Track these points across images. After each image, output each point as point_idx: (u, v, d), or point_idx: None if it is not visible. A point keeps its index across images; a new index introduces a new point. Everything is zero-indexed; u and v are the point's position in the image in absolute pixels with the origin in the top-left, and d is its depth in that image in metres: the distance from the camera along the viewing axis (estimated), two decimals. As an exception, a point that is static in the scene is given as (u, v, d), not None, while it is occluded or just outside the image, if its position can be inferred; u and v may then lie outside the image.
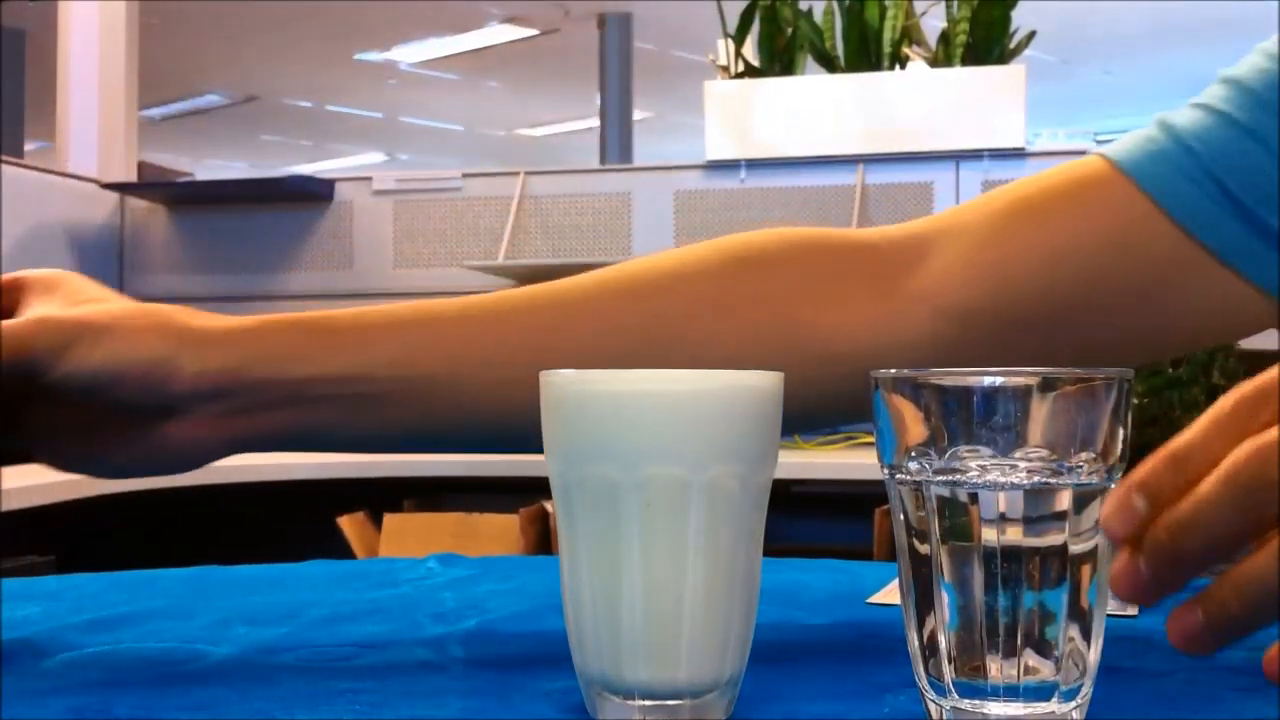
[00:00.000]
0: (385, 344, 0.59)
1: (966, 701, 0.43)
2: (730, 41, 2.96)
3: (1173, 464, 0.38)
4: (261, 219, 3.16)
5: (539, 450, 0.47)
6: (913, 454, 0.43)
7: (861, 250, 0.68)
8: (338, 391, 0.58)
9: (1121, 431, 0.43)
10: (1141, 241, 0.65)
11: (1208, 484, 0.37)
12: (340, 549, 2.35)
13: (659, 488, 0.44)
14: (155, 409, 0.55)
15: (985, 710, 0.42)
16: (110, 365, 0.53)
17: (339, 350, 0.58)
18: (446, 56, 9.16)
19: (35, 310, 0.55)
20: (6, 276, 0.57)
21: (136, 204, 3.23)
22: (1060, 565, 0.42)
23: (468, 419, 0.61)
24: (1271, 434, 0.36)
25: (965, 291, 0.66)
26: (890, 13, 2.85)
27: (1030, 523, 0.42)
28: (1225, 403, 0.38)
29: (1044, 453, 0.42)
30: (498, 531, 2.30)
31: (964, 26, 2.79)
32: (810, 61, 2.96)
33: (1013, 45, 2.81)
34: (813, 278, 0.66)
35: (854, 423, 0.81)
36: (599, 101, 8.79)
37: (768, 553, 0.49)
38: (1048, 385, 0.42)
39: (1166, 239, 0.65)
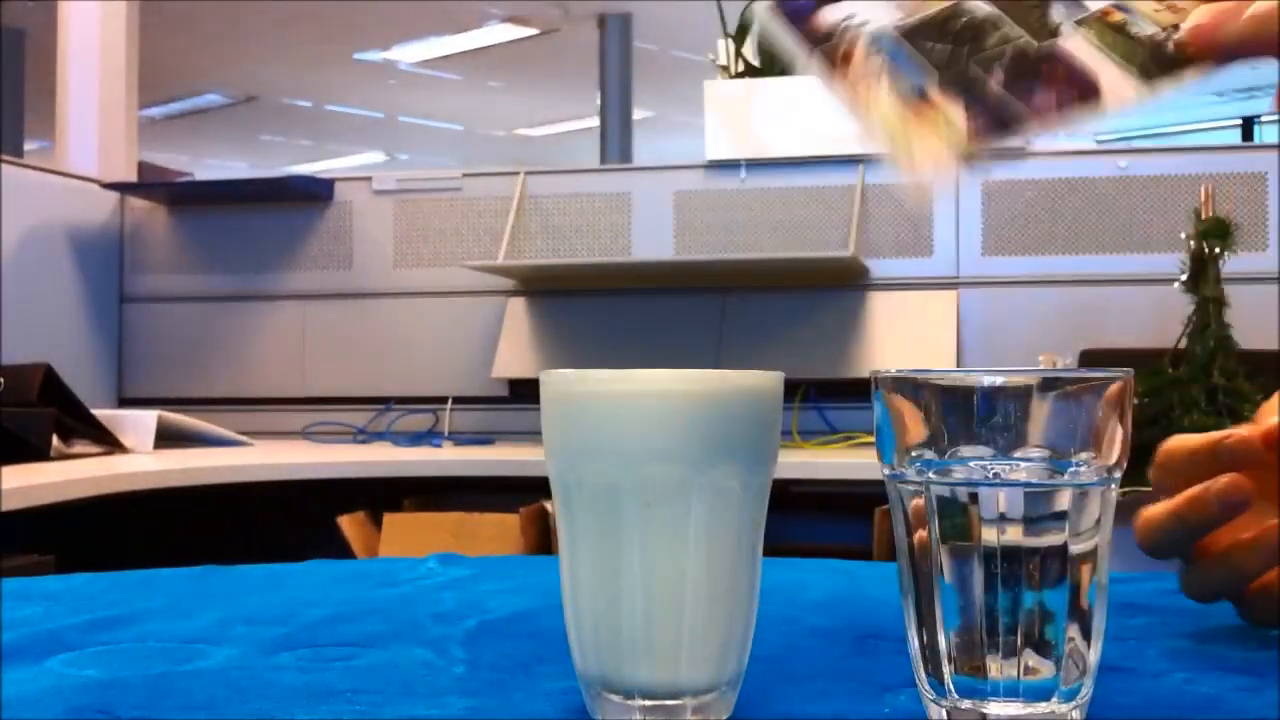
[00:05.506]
0: None
1: (966, 701, 0.43)
2: (730, 41, 2.95)
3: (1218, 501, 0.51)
4: (261, 219, 3.15)
5: None
6: (913, 454, 0.43)
7: None
8: None
9: (1121, 431, 0.43)
10: None
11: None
12: (340, 549, 2.35)
13: (659, 488, 0.44)
14: None
15: (985, 710, 0.42)
16: None
17: None
18: (446, 56, 9.16)
19: None
20: None
21: (136, 204, 3.23)
22: (1060, 565, 0.42)
23: None
24: None
25: None
26: (890, 13, 2.85)
27: (1030, 523, 0.42)
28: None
29: (1044, 453, 0.42)
30: (498, 531, 2.30)
31: (964, 26, 2.79)
32: (810, 61, 2.96)
33: (1012, 45, 2.81)
34: None
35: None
36: (599, 101, 8.79)
37: (768, 553, 0.49)
38: (1048, 385, 0.42)
39: None
